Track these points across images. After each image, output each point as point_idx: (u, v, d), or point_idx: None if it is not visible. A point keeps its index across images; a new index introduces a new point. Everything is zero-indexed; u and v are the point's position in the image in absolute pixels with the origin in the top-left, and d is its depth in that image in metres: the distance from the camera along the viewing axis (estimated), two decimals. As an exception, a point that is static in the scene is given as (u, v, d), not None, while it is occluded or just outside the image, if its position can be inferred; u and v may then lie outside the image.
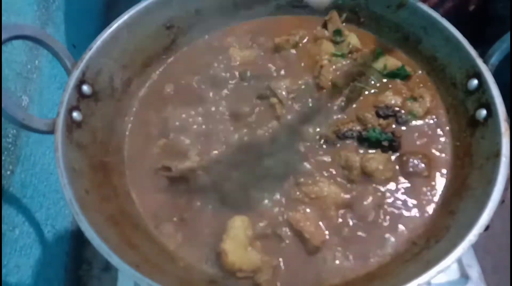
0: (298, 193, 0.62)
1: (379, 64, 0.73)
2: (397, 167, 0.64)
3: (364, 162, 0.63)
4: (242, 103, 0.70)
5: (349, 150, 0.65)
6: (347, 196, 0.62)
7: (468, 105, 0.65)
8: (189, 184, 0.64)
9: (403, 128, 0.68)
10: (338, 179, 0.64)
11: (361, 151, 0.65)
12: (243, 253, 0.56)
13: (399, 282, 0.50)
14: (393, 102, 0.70)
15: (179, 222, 0.62)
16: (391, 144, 0.65)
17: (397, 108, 0.69)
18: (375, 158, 0.63)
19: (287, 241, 0.59)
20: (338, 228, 0.60)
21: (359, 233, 0.60)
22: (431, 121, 0.69)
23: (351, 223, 0.60)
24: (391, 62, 0.73)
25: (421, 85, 0.72)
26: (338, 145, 0.66)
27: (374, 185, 0.63)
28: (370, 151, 0.65)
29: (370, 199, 0.62)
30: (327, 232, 0.60)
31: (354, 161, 0.63)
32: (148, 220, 0.63)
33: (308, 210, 0.61)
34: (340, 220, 0.61)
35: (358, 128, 0.67)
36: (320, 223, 0.60)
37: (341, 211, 0.61)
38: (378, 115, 0.68)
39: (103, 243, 0.52)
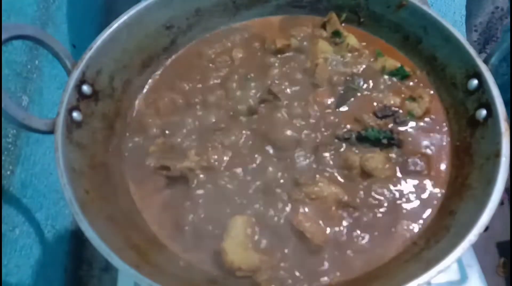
0: (298, 193, 0.62)
1: (378, 65, 0.73)
2: (396, 166, 0.64)
3: (364, 161, 0.63)
4: (242, 103, 0.70)
5: (348, 150, 0.65)
6: (347, 195, 0.62)
7: (468, 105, 0.65)
8: (188, 183, 0.64)
9: (401, 128, 0.68)
10: (338, 179, 0.64)
11: (360, 151, 0.65)
12: (243, 253, 0.56)
13: (399, 282, 0.50)
14: (392, 102, 0.70)
15: (179, 221, 0.62)
16: (390, 142, 0.65)
17: (395, 108, 0.69)
18: (374, 157, 0.63)
19: (288, 241, 0.59)
20: (339, 228, 0.60)
21: (359, 233, 0.60)
22: (431, 121, 0.69)
23: (351, 222, 0.60)
24: (390, 62, 0.73)
25: (421, 85, 0.72)
26: (337, 145, 0.66)
27: (373, 184, 0.63)
28: (369, 150, 0.65)
29: (370, 198, 0.62)
30: (328, 232, 0.60)
31: (353, 160, 0.63)
32: (148, 220, 0.63)
33: (308, 210, 0.61)
34: (340, 219, 0.61)
35: (357, 128, 0.67)
36: (321, 223, 0.60)
37: (342, 211, 0.61)
38: (376, 116, 0.68)
39: (103, 243, 0.52)
